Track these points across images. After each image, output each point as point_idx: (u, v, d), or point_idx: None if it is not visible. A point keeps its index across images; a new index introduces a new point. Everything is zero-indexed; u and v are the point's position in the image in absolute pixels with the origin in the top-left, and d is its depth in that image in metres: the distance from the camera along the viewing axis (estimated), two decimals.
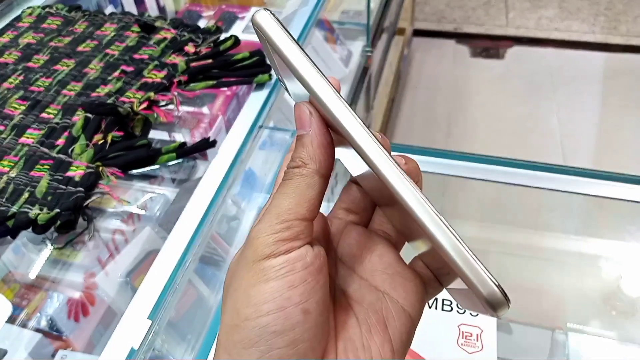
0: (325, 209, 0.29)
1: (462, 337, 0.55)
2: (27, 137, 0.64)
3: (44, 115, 0.67)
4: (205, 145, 0.66)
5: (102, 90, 0.70)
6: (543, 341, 0.61)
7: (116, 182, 0.60)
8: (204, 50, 0.78)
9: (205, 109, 0.74)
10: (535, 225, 0.79)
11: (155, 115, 0.68)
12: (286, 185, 0.23)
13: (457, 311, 0.57)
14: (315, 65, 0.22)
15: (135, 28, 0.81)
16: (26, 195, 0.57)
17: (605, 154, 1.77)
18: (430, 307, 0.57)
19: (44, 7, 0.86)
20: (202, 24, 0.88)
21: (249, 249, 0.22)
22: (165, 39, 0.79)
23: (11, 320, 0.55)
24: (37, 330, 0.55)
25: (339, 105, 0.22)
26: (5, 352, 0.53)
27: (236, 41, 0.79)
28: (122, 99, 0.68)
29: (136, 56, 0.76)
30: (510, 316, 0.62)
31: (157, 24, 0.82)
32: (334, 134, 0.24)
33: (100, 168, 0.60)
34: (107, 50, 0.77)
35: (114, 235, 0.62)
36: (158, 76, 0.72)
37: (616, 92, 2.01)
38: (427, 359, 0.53)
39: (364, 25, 1.24)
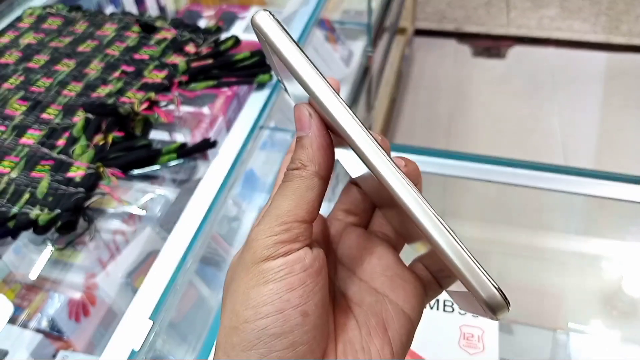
0: (326, 209, 0.29)
1: (464, 338, 0.54)
2: (28, 138, 0.64)
3: (44, 115, 0.67)
4: (205, 146, 0.66)
5: (103, 91, 0.70)
6: (544, 342, 0.61)
7: (117, 183, 0.60)
8: (204, 50, 0.77)
9: (205, 109, 0.74)
10: (537, 225, 0.79)
11: (155, 115, 0.68)
12: (285, 187, 0.23)
13: (459, 312, 0.57)
14: (314, 66, 0.22)
15: (136, 28, 0.81)
16: (27, 196, 0.57)
17: (607, 154, 1.77)
18: (431, 308, 0.57)
19: (44, 8, 0.86)
20: (202, 24, 0.88)
21: (248, 251, 0.22)
22: (165, 39, 0.79)
23: (12, 320, 0.55)
24: (38, 330, 0.55)
25: (338, 106, 0.22)
26: (6, 353, 0.53)
27: (237, 41, 0.79)
28: (123, 99, 0.68)
29: (137, 56, 0.76)
30: (511, 317, 0.62)
31: (158, 24, 0.82)
32: (334, 136, 0.24)
33: (101, 169, 0.60)
34: (108, 51, 0.77)
35: (115, 235, 0.62)
36: (158, 76, 0.72)
37: (617, 92, 2.01)
38: None
39: (365, 25, 1.23)
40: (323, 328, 0.22)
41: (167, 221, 0.61)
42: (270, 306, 0.21)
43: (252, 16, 0.23)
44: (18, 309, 0.57)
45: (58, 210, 0.55)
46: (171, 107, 0.71)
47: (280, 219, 0.22)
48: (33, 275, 0.59)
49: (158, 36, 0.80)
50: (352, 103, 1.13)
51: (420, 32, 2.35)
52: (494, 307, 0.20)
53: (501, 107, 2.00)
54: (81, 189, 0.57)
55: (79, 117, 0.65)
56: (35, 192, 0.57)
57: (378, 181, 0.22)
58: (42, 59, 0.76)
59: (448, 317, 0.56)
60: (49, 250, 0.60)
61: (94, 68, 0.74)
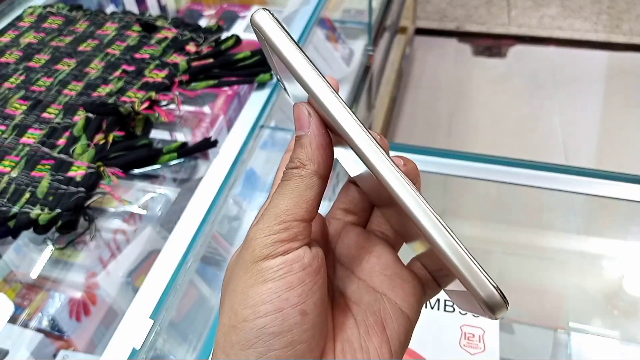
0: (326, 208, 0.29)
1: (465, 338, 0.54)
2: (28, 137, 0.64)
3: (45, 115, 0.67)
4: (206, 145, 0.66)
5: (103, 90, 0.70)
6: (545, 341, 0.61)
7: (117, 182, 0.60)
8: (205, 49, 0.77)
9: (206, 109, 0.74)
10: (537, 225, 0.79)
11: (156, 114, 0.68)
12: (284, 186, 0.23)
13: (460, 312, 0.57)
14: (314, 65, 0.22)
15: (137, 27, 0.81)
16: (27, 195, 0.57)
17: (607, 153, 1.77)
18: (432, 308, 0.57)
19: (45, 7, 0.86)
20: (203, 23, 0.88)
21: (247, 250, 0.22)
22: (166, 38, 0.79)
23: (13, 320, 0.55)
24: (39, 330, 0.55)
25: (337, 105, 0.22)
26: (6, 352, 0.53)
27: (237, 40, 0.79)
28: (123, 98, 0.68)
29: (137, 55, 0.76)
30: (512, 316, 0.62)
31: (158, 23, 0.82)
32: (333, 135, 0.24)
33: (102, 168, 0.60)
34: (108, 50, 0.77)
35: (115, 235, 0.62)
36: (159, 76, 0.72)
37: (618, 91, 2.01)
38: None
39: (366, 24, 1.23)
40: (322, 327, 0.22)
41: (168, 220, 0.61)
42: (269, 305, 0.21)
43: (251, 15, 0.23)
44: (19, 308, 0.57)
45: (58, 210, 0.55)
46: (172, 106, 0.71)
47: (279, 217, 0.22)
48: (34, 275, 0.59)
49: (159, 35, 0.80)
50: (353, 102, 1.13)
51: (420, 31, 2.35)
52: (492, 306, 0.20)
53: (502, 106, 2.00)
54: (82, 189, 0.57)
55: (80, 117, 0.65)
56: (36, 191, 0.57)
57: (377, 180, 0.22)
58: (42, 58, 0.76)
59: (449, 317, 0.56)
60: (49, 249, 0.60)
61: (95, 67, 0.74)
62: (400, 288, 0.25)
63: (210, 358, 0.33)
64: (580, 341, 0.59)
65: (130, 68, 0.73)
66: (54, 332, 0.56)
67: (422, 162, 0.65)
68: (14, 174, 0.59)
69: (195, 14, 0.99)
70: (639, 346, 0.58)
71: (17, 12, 0.87)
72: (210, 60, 0.75)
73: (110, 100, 0.68)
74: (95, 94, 0.69)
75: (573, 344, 0.59)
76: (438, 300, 0.58)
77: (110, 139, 0.63)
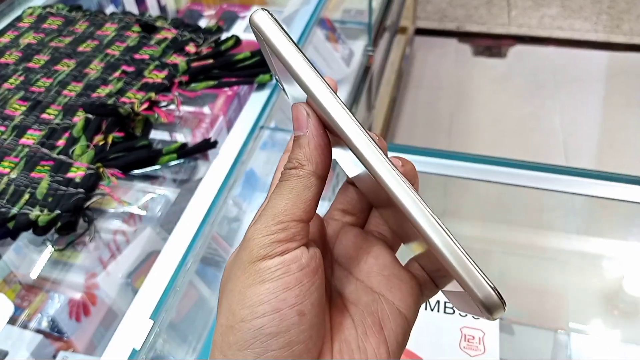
0: (325, 208, 0.29)
1: (465, 340, 0.54)
2: (28, 138, 0.64)
3: (44, 116, 0.67)
4: (206, 146, 0.66)
5: (103, 91, 0.70)
6: (545, 342, 0.61)
7: (117, 183, 0.60)
8: (205, 50, 0.77)
9: (206, 109, 0.74)
10: (538, 225, 0.79)
11: (156, 115, 0.68)
12: (282, 186, 0.23)
13: (459, 314, 0.57)
14: (312, 66, 0.22)
15: (136, 28, 0.81)
16: (26, 196, 0.57)
17: (608, 153, 1.77)
18: (432, 310, 0.57)
19: (44, 7, 0.86)
20: (203, 23, 0.88)
21: (245, 250, 0.22)
22: (166, 38, 0.79)
23: (12, 321, 0.55)
24: (38, 331, 0.55)
25: (336, 106, 0.22)
26: (6, 353, 0.53)
27: (237, 41, 0.79)
28: (123, 99, 0.68)
29: (137, 56, 0.76)
30: (512, 317, 0.62)
31: (158, 23, 0.82)
32: (331, 135, 0.24)
33: (101, 169, 0.60)
34: (108, 51, 0.77)
35: (115, 236, 0.62)
36: (159, 76, 0.72)
37: (619, 91, 2.01)
38: None
39: (366, 24, 1.23)
40: (319, 327, 0.22)
41: (168, 221, 0.61)
42: (266, 305, 0.21)
43: (250, 15, 0.23)
44: (18, 309, 0.57)
45: (58, 211, 0.55)
46: (171, 107, 0.71)
47: (277, 218, 0.22)
48: (33, 276, 0.59)
49: (158, 36, 0.80)
50: (353, 102, 1.13)
51: (421, 32, 2.35)
52: (489, 307, 0.20)
53: (502, 106, 2.00)
54: (81, 190, 0.57)
55: (79, 118, 0.65)
56: (35, 192, 0.57)
57: (375, 181, 0.22)
58: (42, 59, 0.76)
59: (449, 319, 0.56)
60: (49, 250, 0.60)
61: (94, 68, 0.74)
62: (398, 289, 0.25)
63: (208, 359, 0.33)
64: (580, 342, 0.59)
65: (130, 69, 0.73)
66: (54, 333, 0.56)
67: (423, 163, 0.65)
68: (13, 175, 0.59)
69: (195, 15, 0.99)
70: (639, 347, 0.58)
71: (16, 13, 0.87)
72: (210, 60, 0.75)
73: (110, 101, 0.68)
74: (94, 94, 0.69)
75: (573, 345, 0.59)
76: (438, 302, 0.58)
77: (110, 139, 0.63)
